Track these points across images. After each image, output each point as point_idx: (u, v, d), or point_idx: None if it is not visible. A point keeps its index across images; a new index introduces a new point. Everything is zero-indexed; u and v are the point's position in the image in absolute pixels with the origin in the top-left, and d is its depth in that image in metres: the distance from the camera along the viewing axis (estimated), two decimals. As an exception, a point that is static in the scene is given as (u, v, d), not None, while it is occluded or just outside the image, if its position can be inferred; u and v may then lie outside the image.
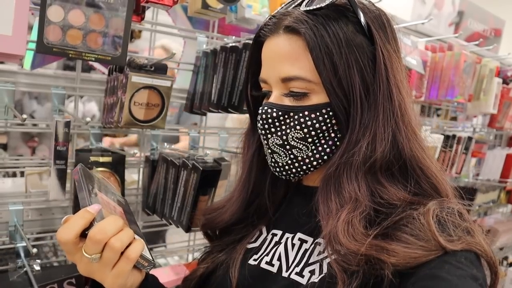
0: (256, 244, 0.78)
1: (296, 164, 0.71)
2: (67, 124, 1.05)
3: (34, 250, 1.03)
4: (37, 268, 1.09)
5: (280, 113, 0.69)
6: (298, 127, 0.68)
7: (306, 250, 0.70)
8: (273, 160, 0.73)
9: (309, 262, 0.68)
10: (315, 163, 0.71)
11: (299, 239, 0.72)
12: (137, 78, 1.02)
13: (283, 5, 0.76)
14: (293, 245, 0.72)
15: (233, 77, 1.19)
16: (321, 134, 0.69)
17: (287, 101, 0.69)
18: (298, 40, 0.67)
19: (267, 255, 0.74)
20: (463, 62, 1.82)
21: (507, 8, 4.57)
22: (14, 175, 1.88)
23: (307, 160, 0.71)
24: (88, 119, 1.03)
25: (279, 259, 0.72)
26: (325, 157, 0.70)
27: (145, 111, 1.06)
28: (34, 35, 1.01)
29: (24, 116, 0.92)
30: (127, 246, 0.62)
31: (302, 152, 0.70)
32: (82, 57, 0.92)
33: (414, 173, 0.67)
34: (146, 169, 1.31)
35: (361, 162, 0.65)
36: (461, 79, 1.84)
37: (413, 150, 0.67)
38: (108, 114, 1.12)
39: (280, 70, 0.68)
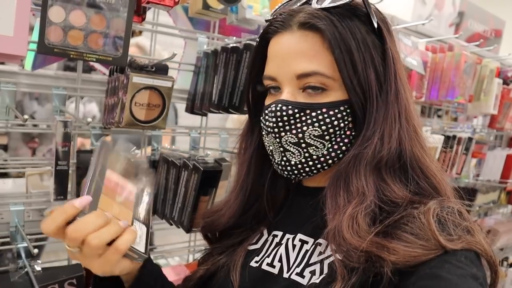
0: (257, 246, 0.78)
1: (311, 163, 0.70)
2: (68, 125, 1.05)
3: (35, 251, 1.03)
4: (38, 268, 1.09)
5: (296, 110, 0.68)
6: (316, 124, 0.67)
7: (307, 251, 0.70)
8: (284, 159, 0.71)
9: (310, 262, 0.68)
10: (330, 161, 0.70)
11: (300, 240, 0.72)
12: (138, 79, 1.02)
13: (283, 3, 0.76)
14: (294, 246, 0.72)
15: (234, 78, 1.19)
16: (338, 132, 0.68)
17: (301, 98, 0.69)
18: (315, 37, 0.67)
19: (268, 256, 0.74)
20: (463, 62, 1.82)
21: (507, 8, 4.57)
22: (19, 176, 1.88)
23: (322, 159, 0.70)
24: (89, 119, 1.03)
25: (280, 260, 0.72)
26: (341, 155, 0.70)
27: (146, 112, 1.06)
28: (35, 36, 1.01)
29: (26, 116, 0.92)
30: (123, 239, 0.63)
31: (318, 151, 0.69)
32: (83, 57, 0.92)
33: (414, 172, 0.67)
34: (146, 169, 1.31)
35: (371, 159, 0.66)
36: (462, 80, 1.84)
37: (413, 149, 0.68)
38: (109, 114, 1.12)
39: (295, 67, 0.67)
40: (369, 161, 0.66)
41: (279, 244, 0.75)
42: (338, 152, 0.70)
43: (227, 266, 0.77)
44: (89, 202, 0.64)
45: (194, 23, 2.06)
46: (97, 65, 2.31)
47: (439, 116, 2.42)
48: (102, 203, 0.67)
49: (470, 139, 2.10)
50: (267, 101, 0.74)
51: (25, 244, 1.10)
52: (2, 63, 1.42)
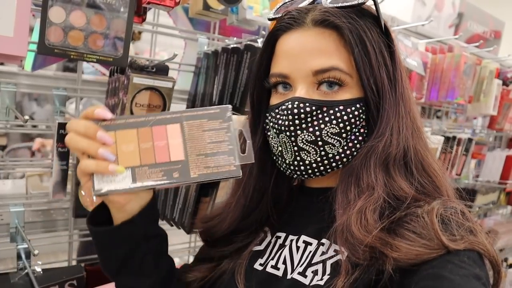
0: (261, 247, 0.78)
1: (326, 162, 0.70)
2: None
3: (36, 252, 1.03)
4: (38, 269, 1.09)
5: (313, 107, 0.67)
6: (334, 122, 0.67)
7: (310, 252, 0.70)
8: (297, 158, 0.70)
9: (312, 262, 0.68)
10: (345, 159, 0.70)
11: (304, 241, 0.72)
12: (138, 79, 1.02)
13: (288, 1, 0.76)
14: (297, 247, 0.72)
15: (234, 79, 1.19)
16: (354, 129, 0.69)
17: (316, 96, 0.68)
18: (333, 34, 0.67)
19: (272, 259, 0.74)
20: (463, 63, 1.82)
21: (506, 10, 4.58)
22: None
23: (337, 157, 0.69)
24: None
25: (284, 262, 0.71)
26: (355, 153, 0.70)
27: (146, 112, 1.06)
28: (35, 36, 1.01)
29: (26, 117, 0.92)
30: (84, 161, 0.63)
31: (334, 149, 0.69)
32: (83, 58, 0.92)
33: (417, 170, 0.68)
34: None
35: (381, 153, 0.66)
36: (461, 81, 1.84)
37: (417, 147, 0.69)
38: (109, 115, 1.12)
39: (312, 63, 0.67)
40: (379, 156, 0.66)
41: (282, 246, 0.75)
42: (353, 149, 0.70)
43: (232, 269, 0.76)
44: (106, 116, 0.64)
45: (194, 24, 2.06)
46: (96, 66, 2.31)
47: (438, 117, 2.42)
48: (124, 135, 0.65)
49: (470, 140, 2.11)
50: (274, 100, 0.73)
51: (25, 245, 1.10)
52: (2, 64, 1.42)
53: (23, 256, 1.11)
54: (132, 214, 0.70)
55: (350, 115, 0.68)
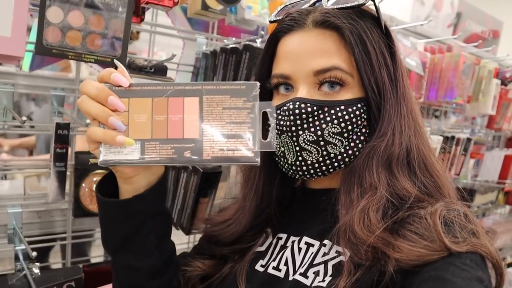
0: (263, 248, 0.78)
1: (328, 161, 0.70)
2: (67, 126, 1.05)
3: (34, 253, 1.03)
4: (36, 271, 1.08)
5: (315, 107, 0.67)
6: (335, 122, 0.67)
7: (312, 253, 0.69)
8: (299, 159, 0.70)
9: (314, 263, 0.68)
10: (347, 159, 0.70)
11: (306, 243, 0.72)
12: (137, 80, 1.01)
13: (290, 3, 0.77)
14: (299, 249, 0.71)
15: (233, 79, 1.18)
16: (356, 129, 0.69)
17: (317, 96, 0.68)
18: (333, 35, 0.68)
19: (274, 260, 0.73)
20: (462, 63, 1.82)
21: (505, 10, 4.58)
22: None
23: (339, 157, 0.70)
24: (87, 121, 1.02)
25: (286, 263, 0.71)
26: (357, 153, 0.70)
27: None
28: (33, 37, 1.01)
29: (24, 118, 0.91)
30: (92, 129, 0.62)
31: (336, 148, 0.69)
32: (81, 58, 0.91)
33: (419, 170, 0.68)
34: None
35: (383, 153, 0.67)
36: (460, 80, 1.84)
37: (420, 146, 0.70)
38: (108, 116, 1.11)
39: (313, 63, 0.67)
40: (381, 156, 0.67)
41: (284, 247, 0.74)
42: (355, 149, 0.70)
43: (234, 270, 0.76)
44: (123, 83, 0.61)
45: (193, 24, 2.06)
46: (94, 66, 2.30)
47: (436, 117, 2.42)
48: (138, 103, 0.62)
49: (468, 139, 2.11)
50: (276, 101, 0.73)
51: (23, 247, 1.09)
52: (0, 64, 1.41)
53: (21, 257, 1.11)
54: (139, 187, 0.69)
55: (352, 115, 0.68)
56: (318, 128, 0.68)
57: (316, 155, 0.69)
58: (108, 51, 0.94)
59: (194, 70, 1.34)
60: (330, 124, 0.68)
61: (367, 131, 0.70)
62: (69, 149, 1.10)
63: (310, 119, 0.68)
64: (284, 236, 0.77)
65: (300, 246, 0.72)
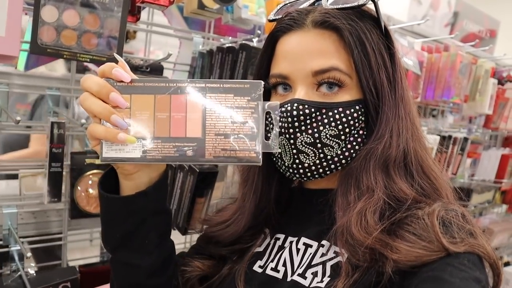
0: (261, 249, 0.77)
1: (325, 164, 0.69)
2: (62, 126, 1.04)
3: (29, 254, 1.02)
4: (32, 272, 1.08)
5: (312, 109, 0.67)
6: (333, 124, 0.67)
7: (310, 254, 0.69)
8: (296, 161, 0.70)
9: (312, 264, 0.67)
10: (344, 161, 0.69)
11: (304, 243, 0.71)
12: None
13: (289, 2, 0.76)
14: (298, 249, 0.71)
15: (230, 78, 1.18)
16: (353, 131, 0.69)
17: (316, 97, 0.68)
18: (333, 35, 0.67)
19: (272, 261, 0.73)
20: (459, 63, 1.82)
21: (501, 9, 4.59)
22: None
23: (336, 159, 0.69)
24: (83, 121, 1.02)
25: (284, 264, 0.71)
26: (354, 155, 0.69)
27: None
28: (27, 36, 1.00)
29: (18, 118, 0.90)
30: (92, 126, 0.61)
31: (333, 151, 0.68)
32: (77, 58, 0.91)
33: (417, 172, 0.68)
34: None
35: (380, 155, 0.66)
36: (457, 80, 1.84)
37: (417, 148, 0.69)
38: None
39: (312, 64, 0.67)
40: (379, 158, 0.66)
41: (282, 248, 0.74)
42: (352, 151, 0.69)
43: (232, 271, 0.76)
44: (124, 78, 0.60)
45: (189, 23, 2.05)
46: (91, 65, 2.29)
47: (433, 116, 2.42)
48: (140, 100, 0.61)
49: (465, 139, 2.11)
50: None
51: (18, 247, 1.09)
52: (-5, 64, 1.41)
53: (16, 258, 1.10)
54: (140, 183, 0.69)
55: (349, 117, 0.67)
56: (315, 130, 0.67)
57: (313, 157, 0.69)
58: (104, 51, 0.93)
59: (191, 69, 1.34)
60: (327, 126, 0.67)
61: (365, 133, 0.70)
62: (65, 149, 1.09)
63: (308, 121, 0.67)
64: (282, 236, 0.76)
65: (299, 246, 0.72)
